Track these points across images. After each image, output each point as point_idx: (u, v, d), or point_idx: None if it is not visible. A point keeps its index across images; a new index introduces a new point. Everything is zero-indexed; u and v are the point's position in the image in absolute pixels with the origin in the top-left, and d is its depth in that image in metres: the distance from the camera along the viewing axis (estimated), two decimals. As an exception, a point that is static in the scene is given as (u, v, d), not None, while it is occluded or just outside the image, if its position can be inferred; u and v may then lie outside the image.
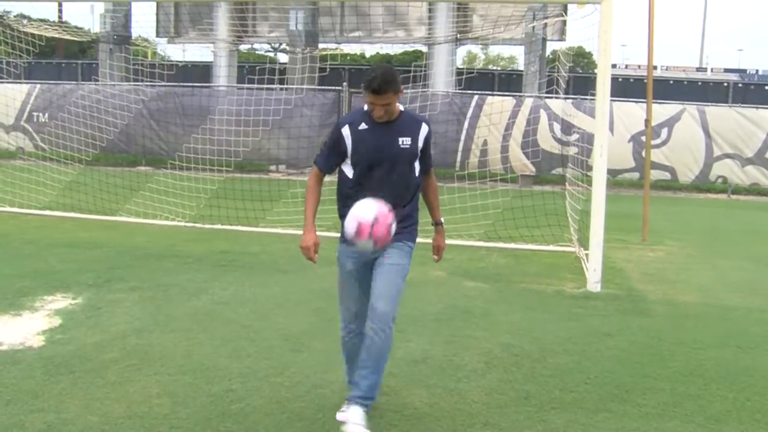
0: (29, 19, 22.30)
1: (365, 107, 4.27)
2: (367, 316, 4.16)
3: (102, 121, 14.51)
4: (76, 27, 21.40)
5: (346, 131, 4.23)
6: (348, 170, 4.30)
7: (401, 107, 4.35)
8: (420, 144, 4.33)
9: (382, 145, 4.23)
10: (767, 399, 4.93)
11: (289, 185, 12.55)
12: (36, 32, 14.59)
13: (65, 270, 7.84)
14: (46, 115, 18.37)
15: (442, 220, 4.66)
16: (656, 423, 4.51)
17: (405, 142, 4.27)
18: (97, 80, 18.72)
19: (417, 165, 4.36)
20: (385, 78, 4.10)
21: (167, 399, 4.60)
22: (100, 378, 4.90)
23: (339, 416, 4.31)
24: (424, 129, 4.35)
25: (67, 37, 19.50)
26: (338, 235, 4.31)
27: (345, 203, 4.27)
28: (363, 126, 4.23)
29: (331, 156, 4.33)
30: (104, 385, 4.78)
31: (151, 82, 14.93)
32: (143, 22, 22.65)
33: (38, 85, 19.34)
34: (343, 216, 4.22)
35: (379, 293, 4.15)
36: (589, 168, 8.27)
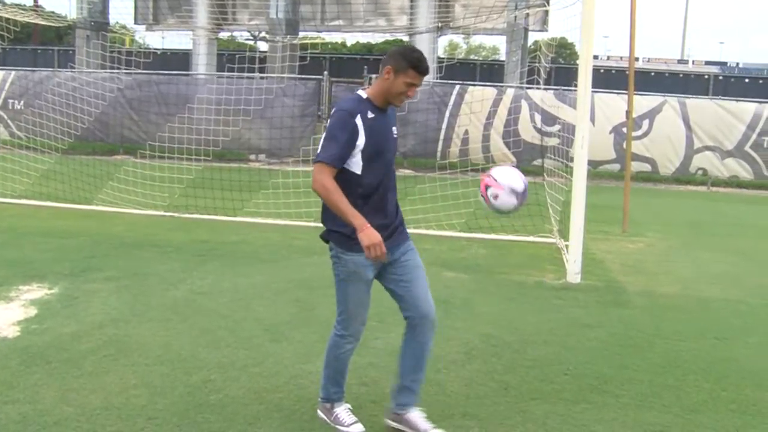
0: (3, 3, 22.04)
1: (362, 95, 3.99)
2: (416, 324, 4.05)
3: (78, 110, 14.31)
4: (52, 12, 21.11)
5: (359, 121, 3.86)
6: (355, 166, 3.92)
7: None
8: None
9: (387, 134, 4.03)
10: (742, 389, 4.98)
11: (270, 175, 12.47)
12: (10, 17, 14.37)
13: (41, 259, 7.75)
14: (22, 102, 18.14)
15: None
16: (634, 413, 4.53)
17: (395, 131, 4.12)
18: (74, 67, 18.49)
19: None
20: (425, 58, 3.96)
21: (144, 390, 4.57)
22: (77, 368, 4.85)
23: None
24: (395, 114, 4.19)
25: (43, 22, 19.25)
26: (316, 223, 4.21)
27: (356, 203, 3.88)
28: (370, 114, 3.92)
29: (345, 150, 3.86)
30: (80, 376, 4.73)
31: (128, 69, 14.76)
32: (121, 9, 22.38)
33: (13, 72, 19.07)
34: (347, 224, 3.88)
35: (427, 302, 4.07)
36: (571, 159, 8.27)
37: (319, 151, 3.88)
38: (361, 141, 3.86)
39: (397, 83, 3.91)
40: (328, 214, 3.97)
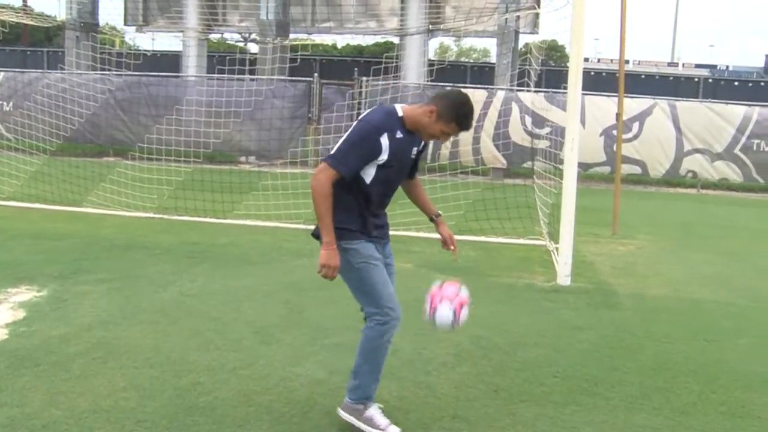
0: (-9, 4, 21.94)
1: (398, 111, 4.00)
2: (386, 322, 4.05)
3: (68, 111, 14.26)
4: (41, 13, 21.07)
5: (384, 140, 3.88)
6: (366, 176, 3.97)
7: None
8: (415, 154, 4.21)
9: (408, 154, 4.08)
10: (732, 391, 4.99)
11: (260, 176, 12.45)
12: (-1, 18, 14.31)
13: (30, 261, 7.71)
14: (11, 103, 18.05)
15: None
16: (624, 416, 4.53)
17: (414, 152, 4.14)
18: (63, 68, 18.41)
19: None
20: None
21: (133, 392, 4.54)
22: (65, 371, 4.82)
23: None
24: (420, 140, 4.17)
25: (32, 23, 19.17)
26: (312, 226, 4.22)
27: (358, 201, 4.03)
28: (399, 134, 3.93)
29: (360, 164, 3.90)
30: (69, 379, 4.70)
31: (118, 71, 14.71)
32: (111, 10, 22.31)
33: (2, 73, 18.97)
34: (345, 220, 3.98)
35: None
36: (561, 161, 8.28)
37: (334, 152, 3.88)
38: (383, 157, 3.91)
39: (435, 127, 3.97)
40: (334, 212, 3.97)
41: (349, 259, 4.00)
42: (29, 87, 17.44)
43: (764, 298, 7.59)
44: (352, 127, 3.97)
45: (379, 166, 3.94)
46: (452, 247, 4.45)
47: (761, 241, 11.12)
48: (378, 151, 3.88)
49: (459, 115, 3.94)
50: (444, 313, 4.06)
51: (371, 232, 4.06)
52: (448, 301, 4.08)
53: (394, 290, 4.11)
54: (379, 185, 4.00)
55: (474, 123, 3.85)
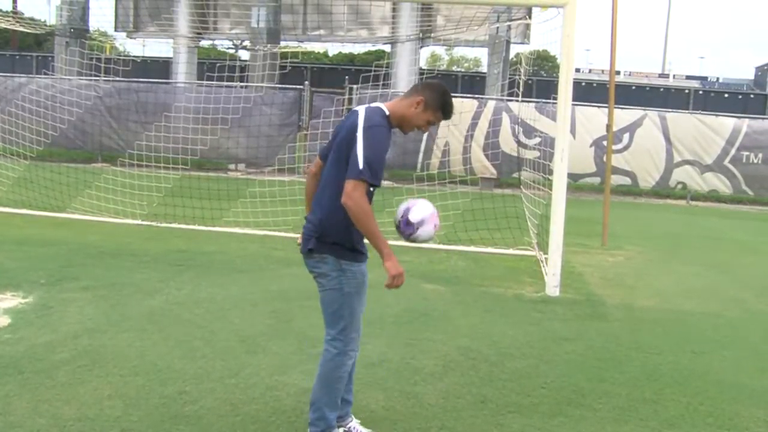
0: (-19, 9, 21.81)
1: (385, 110, 3.88)
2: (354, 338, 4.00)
3: (56, 119, 14.20)
4: (31, 18, 20.95)
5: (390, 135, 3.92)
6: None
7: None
8: None
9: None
10: (719, 403, 4.99)
11: (248, 184, 12.41)
12: (-12, 23, 14.25)
13: (16, 268, 7.65)
14: (-2, 109, 17.94)
15: None
16: (611, 427, 4.52)
17: None
18: (48, 74, 18.32)
19: None
20: None
21: (119, 401, 4.50)
22: (50, 379, 4.77)
23: None
24: None
25: (21, 28, 19.07)
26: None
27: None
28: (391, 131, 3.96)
29: (384, 158, 3.80)
30: (54, 387, 4.66)
31: (107, 77, 14.66)
32: (101, 16, 22.28)
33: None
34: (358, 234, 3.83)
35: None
36: (550, 172, 8.29)
37: (361, 166, 3.64)
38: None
39: (422, 117, 3.94)
40: (335, 227, 3.80)
41: (343, 281, 3.83)
42: (14, 93, 17.33)
43: (752, 310, 7.62)
44: (365, 135, 3.71)
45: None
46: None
47: (749, 254, 11.16)
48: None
49: (444, 104, 3.95)
50: (428, 228, 4.00)
51: (361, 248, 3.91)
52: (430, 222, 4.05)
53: None
54: (372, 192, 3.84)
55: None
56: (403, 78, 20.07)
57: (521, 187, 10.88)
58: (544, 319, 6.81)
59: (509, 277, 8.44)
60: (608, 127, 11.22)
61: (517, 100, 13.98)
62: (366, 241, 3.87)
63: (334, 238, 3.81)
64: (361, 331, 4.02)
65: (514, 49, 24.06)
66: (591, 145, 17.16)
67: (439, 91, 3.97)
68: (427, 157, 17.24)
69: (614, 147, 14.62)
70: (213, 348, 5.51)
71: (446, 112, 3.98)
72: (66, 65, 19.30)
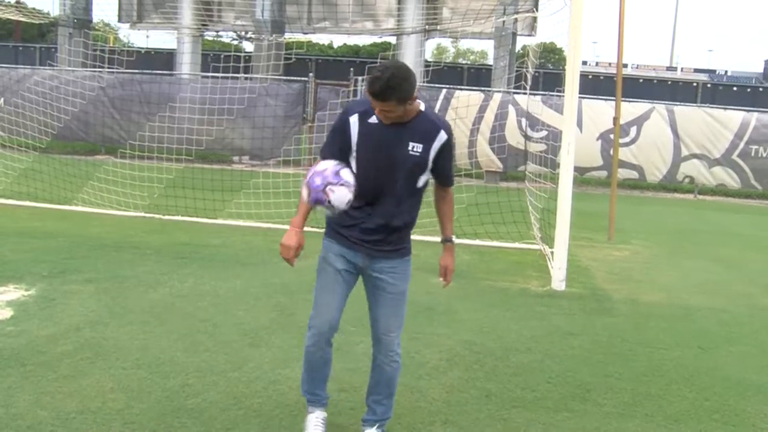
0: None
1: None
2: (374, 345, 4.04)
3: (59, 109, 14.16)
4: (34, 9, 20.92)
5: (354, 120, 3.68)
6: (354, 164, 3.75)
7: (422, 106, 3.75)
8: (431, 154, 3.75)
9: (390, 147, 3.69)
10: (726, 399, 4.97)
11: (252, 176, 12.37)
12: (-8, 14, 14.21)
13: (18, 260, 7.62)
14: (1, 100, 17.91)
15: (454, 237, 4.13)
16: (616, 423, 4.50)
17: (416, 148, 3.70)
18: (53, 65, 18.28)
19: (423, 179, 3.82)
20: (389, 83, 3.50)
21: (121, 394, 4.48)
22: (52, 372, 4.75)
23: None
24: (441, 137, 3.75)
25: (24, 19, 19.04)
26: (321, 231, 4.03)
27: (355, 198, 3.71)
28: (374, 119, 3.67)
29: (335, 144, 3.74)
30: (56, 379, 4.64)
31: (111, 68, 14.60)
32: (105, 6, 22.20)
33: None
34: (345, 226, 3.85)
35: (386, 326, 3.98)
36: (557, 165, 8.24)
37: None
38: (353, 141, 3.72)
39: (373, 104, 3.66)
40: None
41: (319, 257, 3.96)
42: (19, 84, 17.30)
43: (758, 306, 7.57)
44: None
45: (357, 153, 3.73)
46: (444, 280, 4.16)
47: (757, 249, 11.10)
48: (348, 130, 3.72)
49: (367, 82, 3.58)
50: (343, 192, 3.63)
51: (340, 230, 3.86)
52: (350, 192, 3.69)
53: (337, 302, 3.90)
54: (365, 177, 3.70)
55: (391, 93, 3.40)
56: (409, 70, 19.94)
57: (526, 180, 10.82)
58: (549, 314, 6.78)
59: (515, 272, 8.40)
60: (615, 120, 11.15)
61: (524, 93, 13.92)
62: (350, 231, 3.88)
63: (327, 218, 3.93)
64: (325, 315, 3.95)
65: (521, 42, 23.98)
66: (598, 139, 17.05)
67: (371, 74, 3.63)
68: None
69: (621, 140, 14.50)
70: (216, 341, 5.49)
71: (368, 89, 3.57)
72: (69, 56, 19.24)
